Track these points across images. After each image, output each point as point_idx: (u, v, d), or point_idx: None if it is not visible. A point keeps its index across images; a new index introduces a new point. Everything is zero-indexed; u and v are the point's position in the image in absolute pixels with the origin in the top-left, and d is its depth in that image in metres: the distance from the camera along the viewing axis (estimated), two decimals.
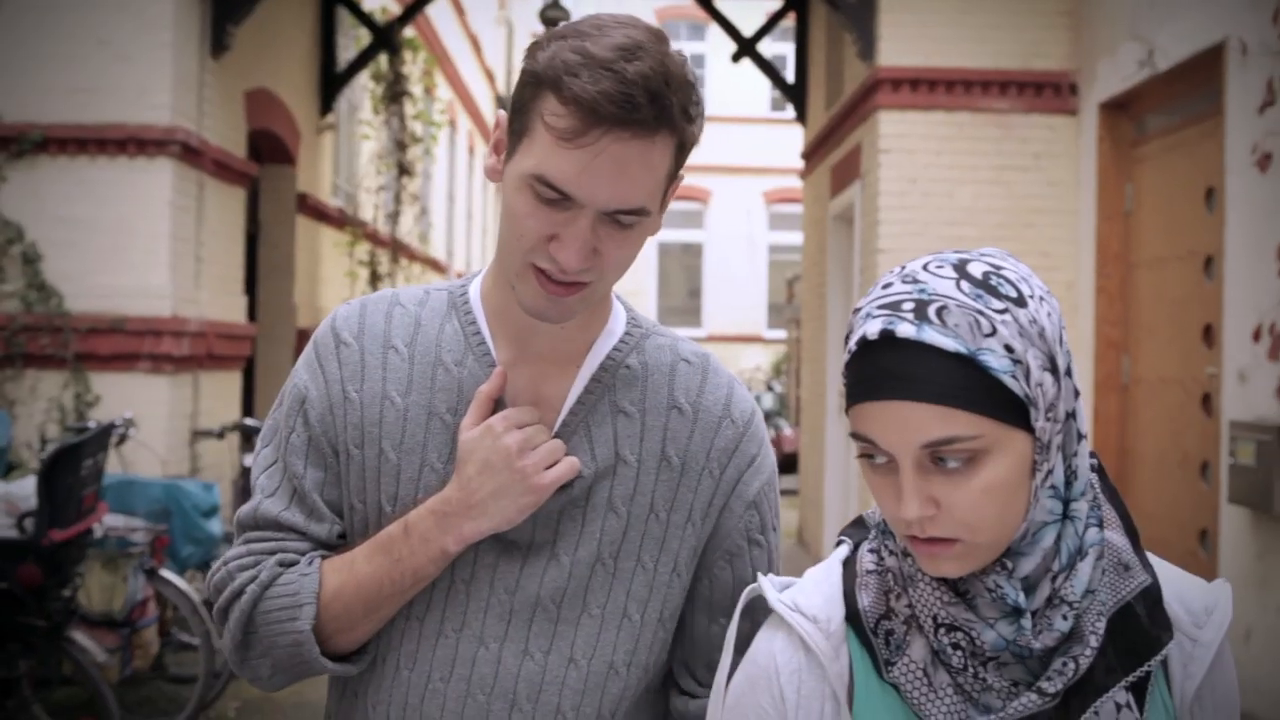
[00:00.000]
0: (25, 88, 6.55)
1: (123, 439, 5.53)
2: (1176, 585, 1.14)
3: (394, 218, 10.82)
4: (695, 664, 1.39)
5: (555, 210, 1.19)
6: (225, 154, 7.33)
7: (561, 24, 1.23)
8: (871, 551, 1.14)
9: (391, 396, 1.32)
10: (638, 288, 23.22)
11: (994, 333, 1.01)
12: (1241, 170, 5.16)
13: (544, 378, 1.33)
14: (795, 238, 17.01)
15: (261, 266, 8.97)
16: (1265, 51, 4.99)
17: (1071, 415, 1.07)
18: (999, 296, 1.03)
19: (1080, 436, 1.08)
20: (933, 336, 1.00)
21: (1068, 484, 1.08)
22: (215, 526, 5.25)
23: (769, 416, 15.77)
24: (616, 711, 1.34)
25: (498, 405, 1.31)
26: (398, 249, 11.03)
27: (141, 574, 4.54)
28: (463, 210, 18.20)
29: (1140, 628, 1.08)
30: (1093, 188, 6.85)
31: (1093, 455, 1.13)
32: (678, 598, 1.36)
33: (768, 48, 10.20)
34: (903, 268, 1.07)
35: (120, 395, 6.50)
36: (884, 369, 1.01)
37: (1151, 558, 1.14)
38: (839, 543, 1.19)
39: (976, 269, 1.05)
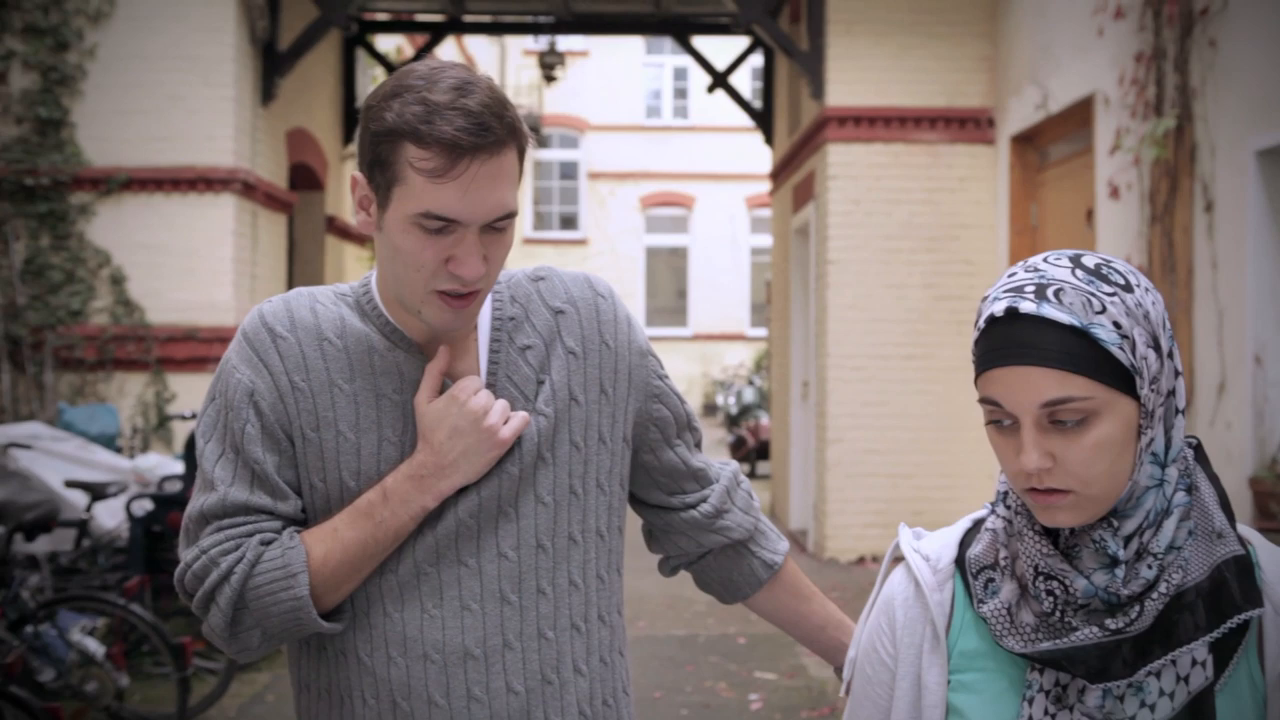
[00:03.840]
0: (111, 137, 7.84)
1: None
2: None
3: None
4: (682, 482, 1.63)
5: (443, 237, 1.35)
6: (273, 187, 8.61)
7: (386, 85, 1.39)
8: (993, 514, 1.29)
9: (338, 383, 1.44)
10: (627, 290, 24.46)
11: (1104, 310, 1.14)
12: (1104, 199, 6.49)
13: (454, 355, 1.49)
14: None
15: (297, 281, 10.23)
16: (1119, 105, 6.31)
17: (1172, 393, 1.19)
18: (1109, 283, 1.16)
19: (1178, 412, 1.20)
20: (1050, 312, 1.13)
21: (1165, 452, 1.20)
22: None
23: (751, 409, 16.90)
24: (584, 575, 1.51)
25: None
26: None
27: None
28: None
29: (1229, 594, 1.17)
30: (1006, 207, 8.16)
31: (1193, 437, 1.25)
32: (609, 462, 1.54)
33: (748, 61, 11.44)
34: (1025, 262, 1.21)
35: (194, 393, 7.78)
36: (1009, 340, 1.15)
37: (1274, 547, 1.25)
38: (984, 507, 1.34)
39: (1089, 261, 1.18)
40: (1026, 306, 1.14)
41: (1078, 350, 1.12)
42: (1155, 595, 1.15)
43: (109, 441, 6.61)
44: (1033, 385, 1.13)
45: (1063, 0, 7.17)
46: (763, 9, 8.63)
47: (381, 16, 11.29)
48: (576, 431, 1.50)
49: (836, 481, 8.41)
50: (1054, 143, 7.77)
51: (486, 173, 1.34)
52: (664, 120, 25.04)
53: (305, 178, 10.05)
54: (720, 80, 11.22)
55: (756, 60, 15.47)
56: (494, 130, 1.33)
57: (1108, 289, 1.15)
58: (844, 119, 8.45)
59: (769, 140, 11.47)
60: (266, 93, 8.41)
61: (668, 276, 25.31)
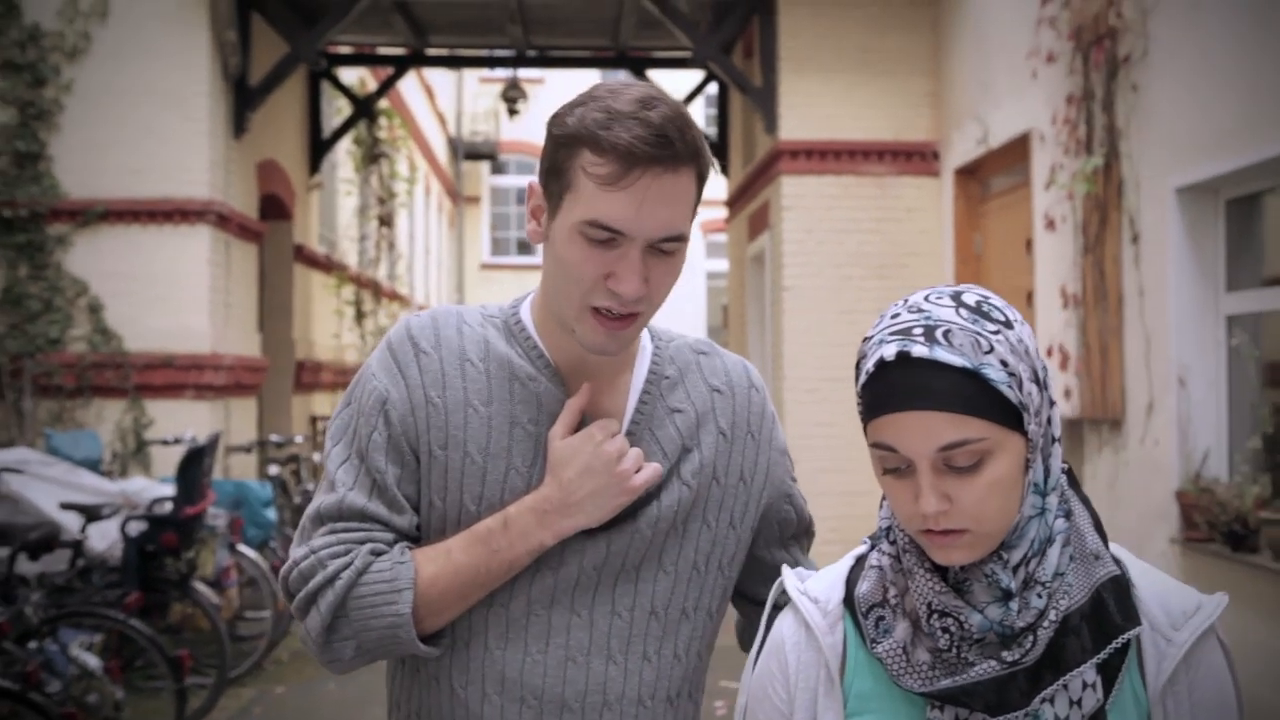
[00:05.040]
0: (88, 170, 8.06)
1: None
2: (1162, 589, 1.24)
3: (375, 262, 12.40)
4: None
5: (607, 250, 1.32)
6: (245, 217, 8.86)
7: (576, 97, 1.36)
8: (877, 551, 1.29)
9: (474, 405, 1.41)
10: None
11: (991, 350, 1.14)
12: (1040, 230, 6.90)
13: (599, 394, 1.45)
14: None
15: (266, 308, 10.45)
16: (1053, 142, 6.73)
17: (1049, 421, 1.21)
18: (991, 320, 1.17)
19: (1054, 440, 1.21)
20: (942, 354, 1.13)
21: (1045, 481, 1.21)
22: (271, 514, 6.81)
23: None
24: (688, 651, 1.49)
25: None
26: (378, 290, 12.59)
27: (225, 548, 6.08)
28: (421, 247, 19.74)
29: (1109, 614, 1.19)
30: (951, 236, 8.58)
31: (1065, 463, 1.26)
32: (733, 548, 1.53)
33: (702, 90, 11.83)
34: (905, 300, 1.20)
35: (170, 419, 8.00)
36: (901, 384, 1.14)
37: (1145, 565, 1.27)
38: (863, 543, 1.34)
39: (969, 299, 1.19)
40: (918, 350, 1.14)
41: (970, 392, 1.13)
42: (1046, 624, 1.17)
43: (93, 466, 6.82)
44: (929, 429, 1.13)
45: (1000, 43, 7.61)
46: (717, 47, 9.01)
47: (345, 50, 11.58)
48: (711, 510, 1.50)
49: None
50: (995, 175, 8.20)
51: (659, 188, 1.30)
52: None
53: (274, 207, 10.29)
54: None
55: (710, 88, 15.91)
56: (673, 144, 1.30)
57: (992, 327, 1.16)
58: (796, 152, 8.83)
59: (724, 170, 11.85)
60: (238, 126, 8.65)
61: None
